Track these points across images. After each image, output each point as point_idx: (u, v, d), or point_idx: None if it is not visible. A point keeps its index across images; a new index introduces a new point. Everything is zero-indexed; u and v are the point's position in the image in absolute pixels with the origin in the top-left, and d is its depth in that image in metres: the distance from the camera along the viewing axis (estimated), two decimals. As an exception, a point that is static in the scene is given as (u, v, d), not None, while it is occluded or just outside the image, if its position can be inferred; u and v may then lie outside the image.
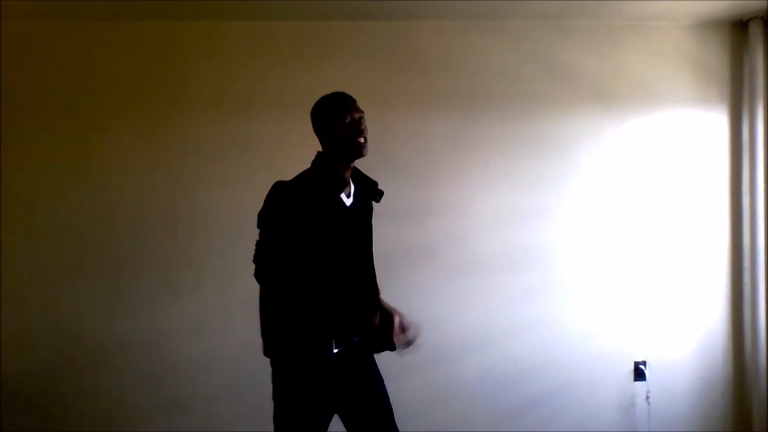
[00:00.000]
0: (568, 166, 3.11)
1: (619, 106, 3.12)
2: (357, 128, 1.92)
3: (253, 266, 2.01)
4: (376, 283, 2.08)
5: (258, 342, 2.95)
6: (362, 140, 1.92)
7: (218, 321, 2.97)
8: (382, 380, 2.05)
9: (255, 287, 2.98)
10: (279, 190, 1.90)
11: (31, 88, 2.94)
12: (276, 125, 2.98)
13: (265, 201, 1.93)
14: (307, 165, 2.04)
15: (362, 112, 1.97)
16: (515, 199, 3.08)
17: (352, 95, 2.05)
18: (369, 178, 2.08)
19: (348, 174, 1.99)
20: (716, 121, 3.17)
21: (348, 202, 1.98)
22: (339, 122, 1.93)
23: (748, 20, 3.06)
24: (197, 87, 2.97)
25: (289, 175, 2.89)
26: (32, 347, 2.94)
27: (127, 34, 2.96)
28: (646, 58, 3.12)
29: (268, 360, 3.04)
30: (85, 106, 2.95)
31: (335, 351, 1.87)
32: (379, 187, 2.07)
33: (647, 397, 3.11)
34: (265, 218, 1.92)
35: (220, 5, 2.77)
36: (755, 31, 3.04)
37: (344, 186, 1.95)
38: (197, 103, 2.97)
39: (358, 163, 2.02)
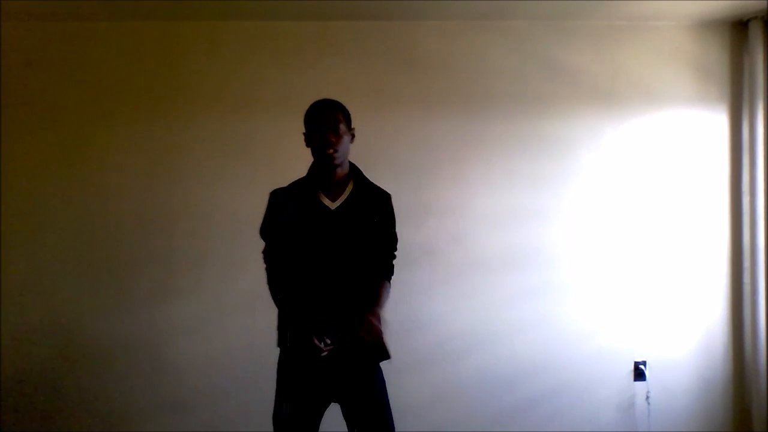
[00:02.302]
0: (568, 166, 3.11)
1: (619, 106, 3.12)
2: (325, 138, 1.95)
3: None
4: (362, 290, 2.01)
5: (257, 342, 2.97)
6: (330, 151, 1.96)
7: (218, 321, 2.97)
8: (379, 381, 2.04)
9: (254, 288, 2.99)
10: (271, 195, 2.09)
11: (31, 88, 2.94)
12: (276, 125, 2.98)
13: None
14: (307, 164, 2.07)
15: (337, 122, 1.97)
16: (515, 199, 3.08)
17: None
18: (369, 187, 2.08)
19: (337, 178, 2.02)
20: (716, 121, 3.17)
21: (332, 205, 2.00)
22: (309, 132, 2.02)
23: (748, 20, 3.06)
24: (197, 87, 2.97)
25: (288, 174, 2.89)
26: (32, 347, 2.94)
27: (127, 34, 2.96)
28: (646, 58, 3.12)
29: (266, 360, 3.05)
30: (85, 106, 2.95)
31: (323, 351, 1.91)
32: (386, 191, 2.11)
33: (647, 397, 3.11)
34: (262, 225, 2.13)
35: (220, 5, 2.77)
36: (755, 31, 3.04)
37: (320, 188, 2.01)
38: (197, 103, 2.97)
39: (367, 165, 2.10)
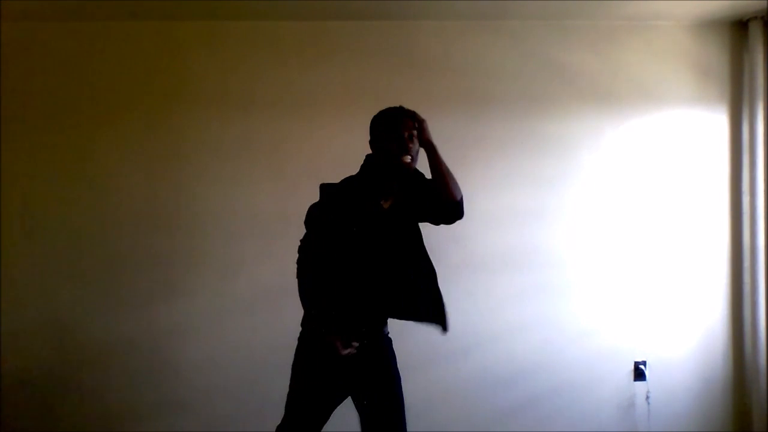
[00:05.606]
0: (568, 166, 3.11)
1: (619, 106, 3.12)
2: (404, 146, 1.96)
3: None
4: (413, 288, 2.06)
5: (256, 341, 2.97)
6: (408, 159, 1.97)
7: (217, 321, 2.97)
8: (396, 379, 2.08)
9: (253, 288, 3.00)
10: (324, 191, 2.06)
11: (31, 88, 2.94)
12: (276, 125, 2.98)
13: (317, 203, 2.07)
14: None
15: (415, 129, 1.99)
16: (515, 199, 3.08)
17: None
18: (413, 176, 2.07)
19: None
20: (716, 121, 3.17)
21: (386, 204, 2.02)
22: (387, 138, 1.99)
23: (748, 20, 3.06)
24: (197, 87, 2.97)
25: (288, 174, 2.88)
26: (32, 347, 2.94)
27: (127, 34, 2.96)
28: (646, 58, 3.12)
29: (266, 360, 3.05)
30: (85, 106, 2.96)
31: (345, 352, 1.96)
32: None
33: (647, 397, 3.11)
34: (309, 216, 2.05)
35: (220, 5, 2.77)
36: (755, 31, 3.04)
37: (386, 194, 2.02)
38: (197, 103, 2.97)
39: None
